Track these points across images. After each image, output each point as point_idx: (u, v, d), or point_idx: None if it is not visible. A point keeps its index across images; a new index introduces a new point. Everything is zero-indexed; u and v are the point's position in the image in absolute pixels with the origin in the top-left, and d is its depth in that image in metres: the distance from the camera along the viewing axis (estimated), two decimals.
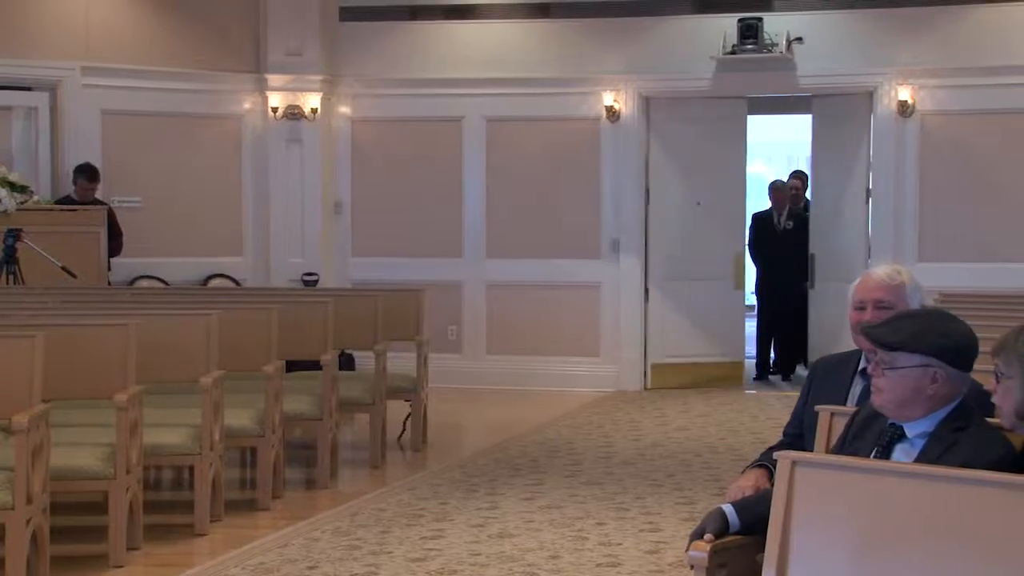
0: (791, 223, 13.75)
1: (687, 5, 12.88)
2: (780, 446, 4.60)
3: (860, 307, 4.53)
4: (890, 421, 3.87)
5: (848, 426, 4.05)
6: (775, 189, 14.18)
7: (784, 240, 13.76)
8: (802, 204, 14.07)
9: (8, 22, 12.00)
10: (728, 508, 3.92)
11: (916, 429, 3.81)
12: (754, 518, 3.84)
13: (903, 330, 3.80)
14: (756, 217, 14.16)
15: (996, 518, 3.22)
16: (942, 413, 3.78)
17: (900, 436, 3.84)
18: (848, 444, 3.97)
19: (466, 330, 13.38)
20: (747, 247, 14.06)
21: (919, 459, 3.76)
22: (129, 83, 12.51)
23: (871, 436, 3.92)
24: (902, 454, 3.81)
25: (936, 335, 3.77)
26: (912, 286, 4.50)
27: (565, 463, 9.40)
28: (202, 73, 12.99)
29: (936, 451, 3.73)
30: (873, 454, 3.85)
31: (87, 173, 11.77)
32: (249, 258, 13.30)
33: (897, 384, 3.77)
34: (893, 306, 4.43)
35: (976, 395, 4.18)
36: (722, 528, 3.88)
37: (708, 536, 3.84)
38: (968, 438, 3.72)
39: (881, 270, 4.60)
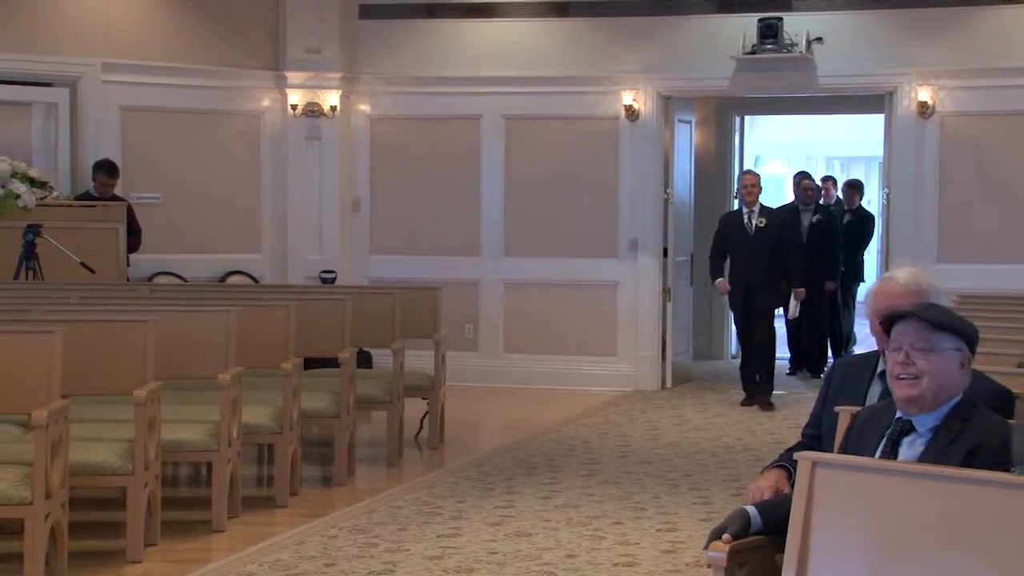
0: (763, 220, 11.99)
1: (707, 5, 12.86)
2: (799, 447, 4.60)
3: None
4: (898, 415, 3.94)
5: (849, 428, 4.09)
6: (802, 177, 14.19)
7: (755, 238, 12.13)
8: (812, 206, 13.94)
9: (29, 18, 12.02)
10: (751, 509, 3.92)
11: (927, 422, 3.88)
12: (777, 520, 3.84)
13: (945, 314, 3.94)
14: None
15: (1016, 520, 3.21)
16: (947, 407, 3.87)
17: (909, 430, 3.90)
18: (851, 446, 4.00)
19: (483, 328, 13.38)
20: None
21: (926, 450, 3.85)
22: (149, 79, 12.53)
23: (874, 433, 3.99)
24: (908, 447, 3.89)
25: (961, 320, 3.94)
26: (935, 290, 4.50)
27: (582, 462, 9.40)
28: (221, 70, 13.00)
29: (943, 441, 3.81)
30: (881, 448, 3.92)
31: (106, 168, 11.79)
32: (267, 255, 13.31)
33: (940, 366, 3.86)
34: None
35: (996, 395, 4.19)
36: (743, 529, 3.88)
37: (726, 536, 3.84)
38: (974, 425, 3.82)
39: (904, 275, 4.58)
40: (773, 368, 12.26)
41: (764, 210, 12.12)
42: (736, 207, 13.32)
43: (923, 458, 3.83)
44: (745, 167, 16.23)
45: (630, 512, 7.80)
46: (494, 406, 12.32)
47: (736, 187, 15.37)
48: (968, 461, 3.72)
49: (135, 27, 12.63)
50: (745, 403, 12.08)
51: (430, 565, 6.56)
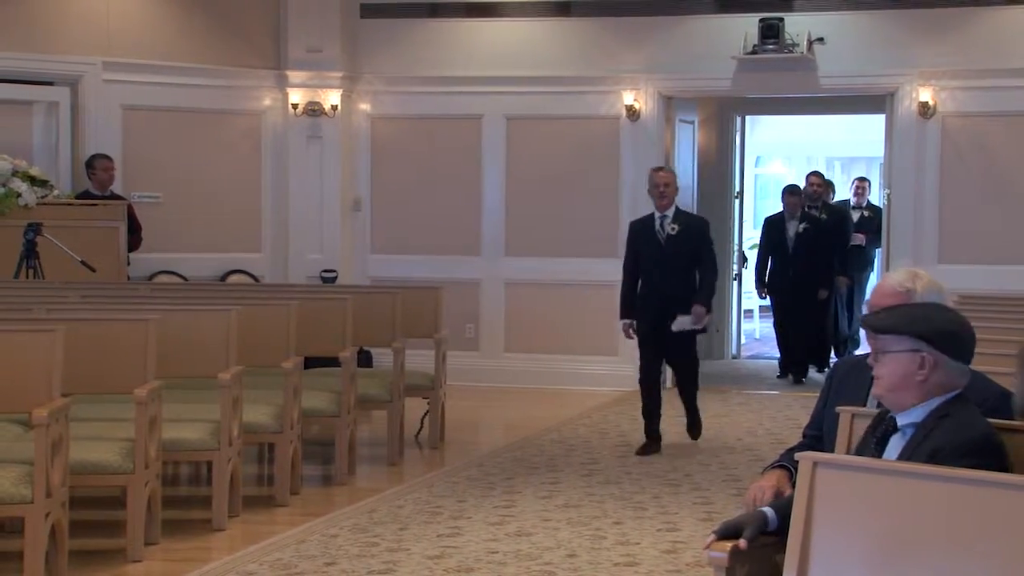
0: (676, 227, 9.91)
1: (708, 5, 12.86)
2: (800, 447, 4.61)
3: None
4: (890, 413, 3.94)
5: (864, 432, 4.12)
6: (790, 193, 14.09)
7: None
8: (820, 203, 14.01)
9: (30, 17, 12.03)
10: (769, 511, 3.87)
11: (907, 419, 3.87)
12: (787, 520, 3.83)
13: (893, 316, 3.91)
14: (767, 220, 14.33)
15: (1016, 520, 3.21)
16: (934, 403, 3.83)
17: (895, 427, 3.92)
18: (860, 448, 4.02)
19: (484, 328, 13.38)
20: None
21: (903, 450, 3.84)
22: (150, 79, 12.54)
23: (870, 433, 4.01)
24: (893, 445, 3.89)
25: (921, 319, 3.86)
26: (923, 294, 4.44)
27: (582, 462, 9.39)
28: (223, 69, 13.01)
29: (916, 441, 3.79)
30: (873, 447, 3.93)
31: (102, 155, 11.81)
32: (268, 254, 13.32)
33: (889, 368, 3.85)
34: None
35: (996, 397, 4.19)
36: (759, 532, 3.83)
37: (742, 541, 3.78)
38: (946, 423, 3.77)
39: (895, 276, 4.59)
40: (696, 401, 10.20)
41: (679, 215, 10.04)
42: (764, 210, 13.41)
43: (899, 457, 3.82)
44: (745, 166, 16.19)
45: (631, 512, 7.80)
46: (495, 406, 12.32)
47: (737, 187, 15.41)
48: (930, 462, 3.68)
49: (136, 26, 12.63)
50: (644, 451, 9.77)
51: (430, 564, 6.56)
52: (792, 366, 13.85)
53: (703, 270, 9.88)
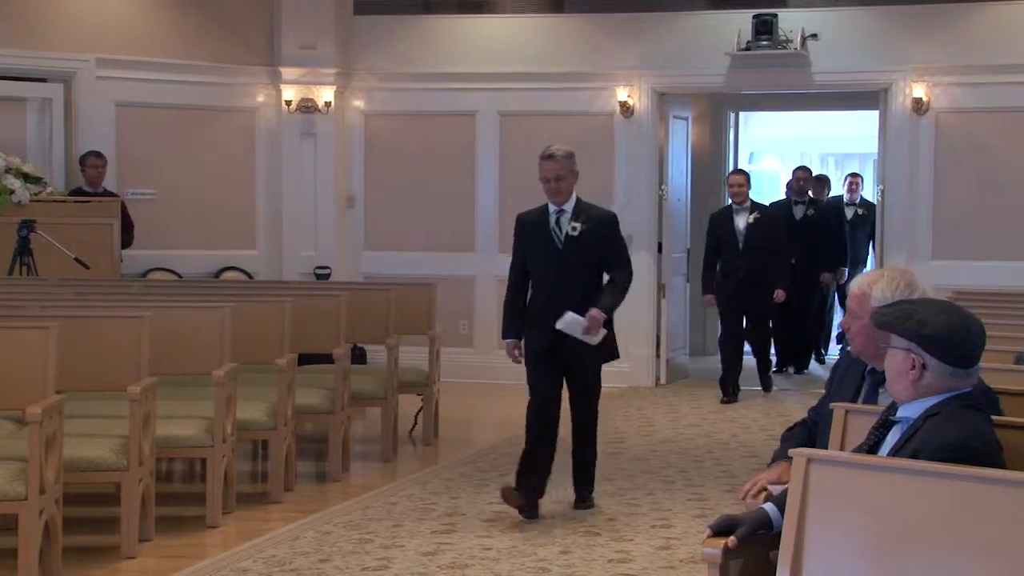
0: (577, 225, 8.06)
1: (702, 1, 12.86)
2: (801, 424, 4.84)
3: None
4: (896, 403, 3.95)
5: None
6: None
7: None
8: (807, 198, 13.84)
9: (23, 14, 12.01)
10: (772, 510, 3.84)
11: (904, 413, 3.86)
12: None
13: (892, 313, 3.88)
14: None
15: (1011, 517, 3.21)
16: (929, 402, 3.80)
17: (896, 421, 3.91)
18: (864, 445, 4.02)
19: (478, 324, 13.37)
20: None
21: (894, 444, 3.83)
22: (143, 75, 12.52)
23: (879, 421, 4.01)
24: (892, 435, 3.88)
25: (915, 322, 3.80)
26: (881, 297, 4.31)
27: None
28: (216, 66, 12.99)
29: (906, 437, 3.78)
30: (875, 433, 3.94)
31: (94, 153, 11.82)
32: (262, 251, 13.31)
33: (888, 363, 3.88)
34: (858, 316, 4.41)
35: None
36: (754, 531, 3.82)
37: (732, 540, 3.77)
38: (931, 424, 3.74)
39: (860, 277, 4.59)
40: (595, 458, 8.06)
41: (582, 209, 8.02)
42: (730, 206, 12.64)
43: (889, 452, 3.81)
44: (739, 162, 16.16)
45: (624, 509, 7.80)
46: (488, 402, 12.31)
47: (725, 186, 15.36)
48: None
49: (130, 23, 12.62)
50: (528, 513, 7.52)
51: (424, 561, 6.56)
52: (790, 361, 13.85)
53: (614, 276, 7.99)
